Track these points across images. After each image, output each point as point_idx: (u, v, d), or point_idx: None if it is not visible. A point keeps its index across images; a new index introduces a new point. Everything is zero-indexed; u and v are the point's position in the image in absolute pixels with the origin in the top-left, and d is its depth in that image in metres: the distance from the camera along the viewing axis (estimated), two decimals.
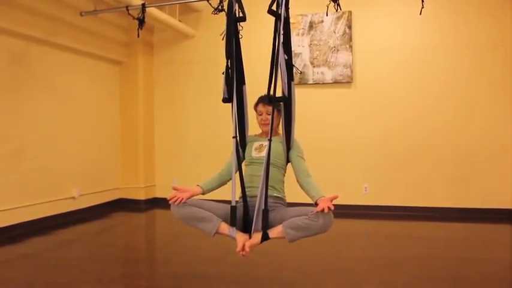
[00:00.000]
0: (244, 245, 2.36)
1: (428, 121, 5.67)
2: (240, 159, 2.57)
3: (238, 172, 2.52)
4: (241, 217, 2.46)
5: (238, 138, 2.63)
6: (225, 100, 2.54)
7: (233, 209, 2.40)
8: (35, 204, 5.02)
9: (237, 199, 2.48)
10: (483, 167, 5.48)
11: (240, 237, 2.40)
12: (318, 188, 2.44)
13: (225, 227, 2.42)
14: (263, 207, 2.35)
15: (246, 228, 2.46)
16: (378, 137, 5.84)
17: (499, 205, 5.39)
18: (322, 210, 2.19)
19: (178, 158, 6.74)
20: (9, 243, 4.38)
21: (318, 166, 5.79)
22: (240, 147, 2.68)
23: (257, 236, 2.38)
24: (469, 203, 5.49)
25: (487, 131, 5.48)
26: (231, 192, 2.41)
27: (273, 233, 2.39)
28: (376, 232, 4.95)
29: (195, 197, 2.51)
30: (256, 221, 2.38)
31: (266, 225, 2.37)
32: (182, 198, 2.40)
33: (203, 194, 2.60)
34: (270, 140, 2.42)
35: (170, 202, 2.42)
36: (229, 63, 2.50)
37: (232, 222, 2.40)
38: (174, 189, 2.48)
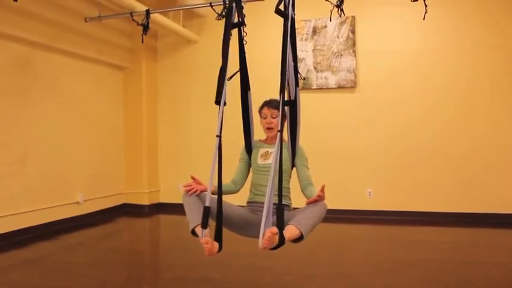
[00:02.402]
0: (211, 248, 2.17)
1: (432, 125, 5.65)
2: (221, 158, 2.38)
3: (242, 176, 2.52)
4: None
5: (245, 143, 2.70)
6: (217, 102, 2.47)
7: (206, 209, 2.23)
8: (39, 209, 5.03)
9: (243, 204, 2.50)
10: (488, 171, 5.46)
11: (206, 241, 2.19)
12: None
13: (199, 229, 2.28)
14: (273, 206, 2.13)
15: (248, 232, 2.46)
16: (381, 141, 5.83)
17: (504, 210, 5.35)
18: (315, 201, 2.31)
19: (182, 162, 6.75)
20: (14, 248, 4.40)
21: (322, 170, 5.78)
22: (246, 152, 2.75)
23: (274, 230, 2.11)
24: (474, 207, 5.46)
25: (490, 134, 5.46)
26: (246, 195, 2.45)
27: (286, 233, 2.20)
28: (380, 237, 4.94)
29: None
30: (267, 221, 2.11)
31: (282, 225, 2.15)
32: (196, 190, 2.46)
33: (213, 194, 2.58)
34: (280, 144, 2.22)
35: (185, 190, 2.46)
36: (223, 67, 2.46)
37: (204, 225, 2.23)
38: (192, 178, 2.53)
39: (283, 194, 2.58)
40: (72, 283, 3.34)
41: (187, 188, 2.48)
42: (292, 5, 2.35)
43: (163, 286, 3.38)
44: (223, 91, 2.43)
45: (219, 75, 2.46)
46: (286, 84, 2.37)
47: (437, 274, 3.44)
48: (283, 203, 2.55)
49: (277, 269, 3.61)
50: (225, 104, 2.46)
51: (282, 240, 2.14)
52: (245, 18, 2.54)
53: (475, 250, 4.28)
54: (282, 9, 2.36)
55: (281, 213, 2.15)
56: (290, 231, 2.24)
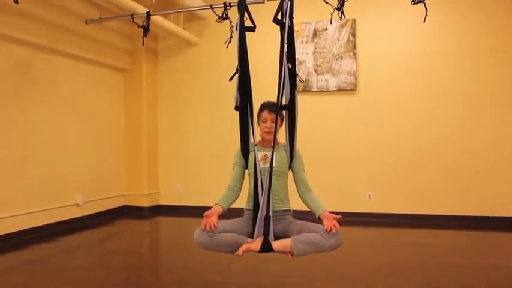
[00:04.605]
0: (243, 247, 2.35)
1: (432, 128, 5.65)
2: (256, 168, 2.51)
3: (254, 182, 2.51)
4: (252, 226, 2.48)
5: (241, 146, 2.66)
6: (237, 108, 2.56)
7: (267, 219, 2.40)
8: (39, 211, 5.03)
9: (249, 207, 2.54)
10: (488, 175, 5.45)
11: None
12: (319, 202, 2.50)
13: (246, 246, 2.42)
14: (265, 214, 2.34)
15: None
16: (382, 144, 5.82)
17: (504, 213, 5.34)
18: (331, 230, 2.28)
19: (182, 165, 6.75)
20: (13, 250, 4.39)
21: (322, 173, 5.81)
22: (242, 156, 2.68)
23: (257, 242, 2.36)
24: (474, 210, 5.45)
25: (491, 137, 5.45)
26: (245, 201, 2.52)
27: (278, 245, 2.36)
28: (381, 239, 4.93)
29: None
30: (259, 228, 2.37)
31: (267, 233, 2.35)
32: (213, 223, 2.34)
33: (223, 212, 2.54)
34: (273, 148, 2.44)
35: (207, 230, 2.33)
36: (241, 71, 2.53)
37: (267, 233, 2.41)
38: (205, 216, 2.40)
39: (282, 198, 2.60)
40: (72, 285, 3.33)
41: (207, 226, 2.34)
42: (289, 14, 2.41)
43: None
44: (247, 99, 2.53)
45: (242, 82, 2.52)
46: (282, 89, 2.41)
47: (437, 277, 3.44)
48: (285, 208, 2.59)
49: (277, 272, 3.61)
50: (250, 109, 2.54)
51: (267, 247, 2.35)
52: (246, 21, 2.58)
53: (475, 253, 4.27)
54: (279, 17, 2.42)
55: (268, 222, 2.37)
56: (283, 245, 2.37)
